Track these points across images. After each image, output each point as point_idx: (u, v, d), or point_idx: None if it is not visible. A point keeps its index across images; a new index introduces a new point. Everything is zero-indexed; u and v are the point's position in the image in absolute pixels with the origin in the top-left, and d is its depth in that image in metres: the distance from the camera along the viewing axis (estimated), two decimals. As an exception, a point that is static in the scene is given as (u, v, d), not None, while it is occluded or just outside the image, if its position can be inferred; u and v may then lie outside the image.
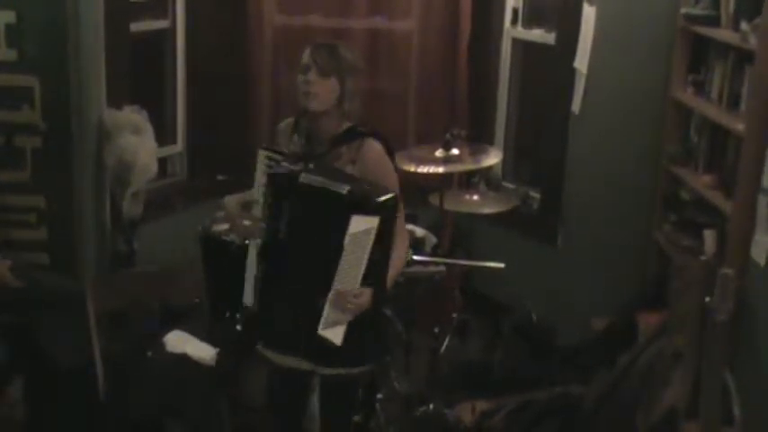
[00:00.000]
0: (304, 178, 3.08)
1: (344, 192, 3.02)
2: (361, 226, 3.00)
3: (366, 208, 3.01)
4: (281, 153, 3.23)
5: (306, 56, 3.21)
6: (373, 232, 3.01)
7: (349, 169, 3.24)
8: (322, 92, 3.19)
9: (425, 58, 5.78)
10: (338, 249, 3.01)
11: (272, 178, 3.14)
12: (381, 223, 3.02)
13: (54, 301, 3.99)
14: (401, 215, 3.29)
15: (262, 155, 3.22)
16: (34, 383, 4.06)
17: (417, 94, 5.87)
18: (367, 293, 3.10)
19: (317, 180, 3.07)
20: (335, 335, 3.11)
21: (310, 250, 3.10)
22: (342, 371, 3.30)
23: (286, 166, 3.15)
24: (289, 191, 3.11)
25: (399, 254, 3.31)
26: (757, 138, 3.69)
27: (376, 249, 3.04)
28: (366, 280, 3.08)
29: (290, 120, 3.42)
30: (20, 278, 3.97)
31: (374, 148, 3.28)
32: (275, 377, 3.52)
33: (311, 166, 3.15)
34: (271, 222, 3.15)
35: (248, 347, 3.51)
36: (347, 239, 3.00)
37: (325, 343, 3.11)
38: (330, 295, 3.06)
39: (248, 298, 3.26)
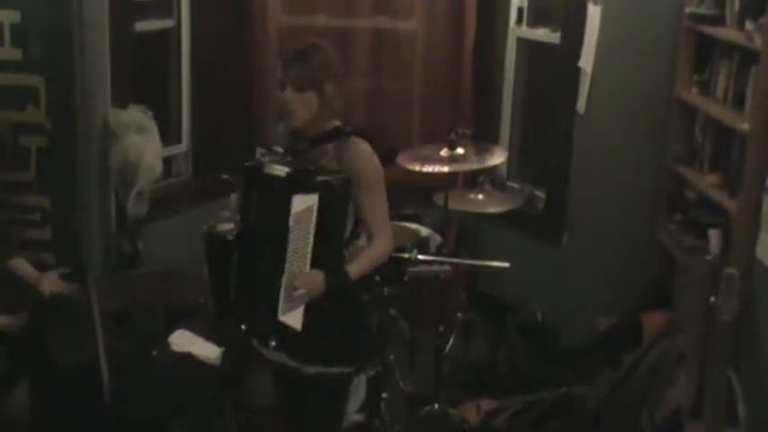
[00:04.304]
0: (266, 168, 3.18)
1: (284, 174, 3.12)
2: (302, 205, 3.08)
3: (304, 186, 3.09)
4: (270, 149, 3.32)
5: (279, 71, 3.23)
6: (314, 210, 3.08)
7: (333, 165, 3.27)
8: (299, 108, 3.21)
9: (430, 57, 5.78)
10: (287, 232, 3.09)
11: (244, 170, 3.25)
12: (323, 202, 3.08)
13: (57, 302, 4.00)
14: (382, 207, 3.32)
15: (258, 152, 3.33)
16: (38, 384, 4.06)
17: (422, 94, 5.87)
18: (317, 276, 3.14)
19: (273, 168, 3.17)
20: (294, 320, 3.15)
21: (269, 237, 3.17)
22: (320, 369, 3.31)
23: (258, 159, 3.26)
24: (255, 181, 3.21)
25: (378, 246, 3.32)
26: (762, 137, 3.69)
27: (322, 229, 3.11)
28: (316, 262, 3.13)
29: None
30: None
31: (357, 146, 3.29)
32: (274, 374, 3.55)
33: (288, 159, 3.24)
34: (243, 213, 3.27)
35: (250, 344, 3.52)
36: (291, 220, 3.08)
37: (289, 330, 3.16)
38: (283, 279, 3.12)
39: None
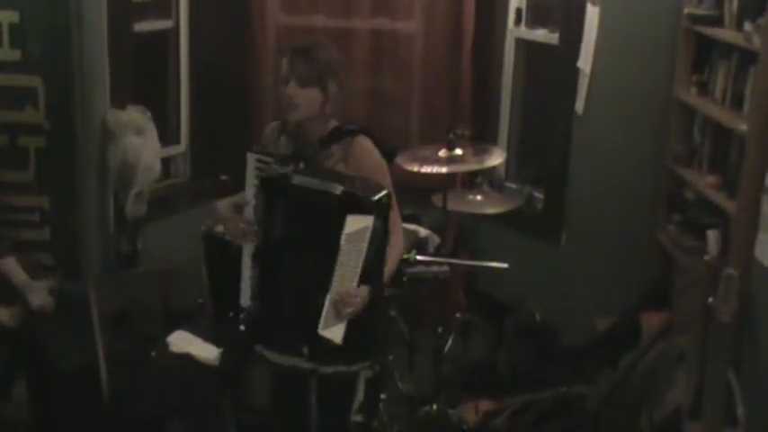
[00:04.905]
0: (296, 180, 3.11)
1: (338, 192, 3.04)
2: (357, 225, 3.01)
3: (361, 207, 3.02)
4: (269, 155, 3.24)
5: (284, 66, 3.21)
6: (369, 231, 3.03)
7: (340, 167, 3.26)
8: (303, 102, 3.20)
9: (429, 58, 5.78)
10: (335, 249, 3.03)
11: (265, 182, 3.17)
12: (376, 221, 3.04)
13: (56, 302, 3.99)
14: (396, 209, 3.30)
15: (251, 158, 3.23)
16: (37, 384, 4.06)
17: (421, 95, 5.87)
18: (364, 292, 3.12)
19: (310, 181, 3.09)
20: (336, 334, 3.12)
21: (307, 251, 3.12)
22: (342, 368, 3.32)
23: (277, 169, 3.17)
24: (281, 193, 3.13)
25: (395, 248, 3.33)
26: (761, 138, 3.69)
27: (371, 247, 3.07)
28: (363, 278, 3.10)
29: (275, 123, 3.44)
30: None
31: (364, 145, 3.30)
32: (277, 377, 3.54)
33: (302, 166, 3.18)
34: (265, 225, 3.18)
35: (251, 348, 3.51)
36: (343, 239, 3.01)
37: (327, 343, 3.13)
38: (329, 295, 3.08)
39: (245, 299, 3.30)
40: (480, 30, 5.69)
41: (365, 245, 3.04)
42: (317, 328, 3.10)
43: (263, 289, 3.23)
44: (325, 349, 3.16)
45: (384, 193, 3.09)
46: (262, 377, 3.84)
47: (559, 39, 5.35)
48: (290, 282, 3.17)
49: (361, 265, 3.07)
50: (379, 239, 3.10)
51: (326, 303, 3.08)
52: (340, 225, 3.00)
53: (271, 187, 3.16)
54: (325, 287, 3.07)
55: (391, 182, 3.33)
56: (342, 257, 3.04)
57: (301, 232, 3.13)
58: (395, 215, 3.29)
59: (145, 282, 4.62)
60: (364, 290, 3.12)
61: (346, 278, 3.08)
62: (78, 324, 4.15)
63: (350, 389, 3.47)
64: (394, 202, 3.28)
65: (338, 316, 3.10)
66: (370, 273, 3.12)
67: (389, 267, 3.29)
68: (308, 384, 3.41)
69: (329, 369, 3.31)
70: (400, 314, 4.55)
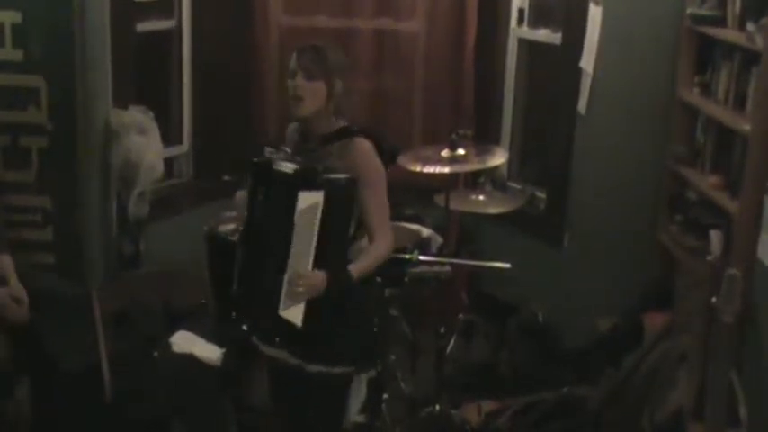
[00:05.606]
0: (276, 165, 3.20)
1: (291, 171, 3.15)
2: (308, 202, 3.11)
3: (310, 184, 3.12)
4: (283, 150, 3.35)
5: (293, 61, 3.29)
6: (319, 208, 3.11)
7: (337, 165, 3.28)
8: (308, 95, 3.25)
9: (431, 58, 5.78)
10: (291, 228, 3.12)
11: (252, 167, 3.27)
12: (328, 200, 3.11)
13: (58, 302, 3.99)
14: (383, 207, 3.34)
15: (267, 151, 3.34)
16: (40, 384, 4.06)
17: (423, 95, 5.87)
18: (320, 276, 3.15)
19: (282, 165, 3.19)
20: (295, 316, 3.17)
21: (275, 233, 3.19)
22: (322, 368, 3.34)
23: (267, 156, 3.28)
24: (264, 178, 3.23)
25: (379, 246, 3.33)
26: (763, 138, 3.68)
27: (326, 228, 3.13)
28: (319, 261, 3.15)
29: (295, 123, 3.50)
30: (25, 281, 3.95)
31: (360, 146, 3.32)
32: (273, 371, 3.57)
33: (297, 158, 3.27)
34: (250, 209, 3.27)
35: (253, 348, 3.52)
36: (296, 216, 3.11)
37: (289, 326, 3.17)
38: (285, 275, 3.14)
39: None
40: (483, 30, 5.69)
41: (317, 222, 3.11)
42: (278, 309, 3.16)
43: (243, 273, 3.29)
44: (291, 336, 3.22)
45: (341, 176, 3.17)
46: (262, 377, 3.84)
47: (562, 39, 5.35)
48: (263, 264, 3.23)
49: (314, 244, 3.13)
50: (335, 221, 3.17)
51: (284, 283, 3.14)
52: (294, 202, 3.10)
53: (256, 172, 3.25)
54: (283, 267, 3.14)
55: (387, 185, 3.36)
56: (296, 235, 3.12)
57: (273, 215, 3.20)
58: (382, 212, 3.34)
59: (147, 282, 4.63)
60: (320, 274, 3.15)
61: (300, 257, 3.14)
62: (81, 324, 4.15)
63: (337, 392, 3.49)
64: (384, 201, 3.33)
65: (294, 296, 3.15)
66: (327, 257, 3.16)
67: (366, 263, 3.29)
68: (300, 382, 3.41)
69: (314, 368, 3.33)
70: (402, 314, 4.55)
